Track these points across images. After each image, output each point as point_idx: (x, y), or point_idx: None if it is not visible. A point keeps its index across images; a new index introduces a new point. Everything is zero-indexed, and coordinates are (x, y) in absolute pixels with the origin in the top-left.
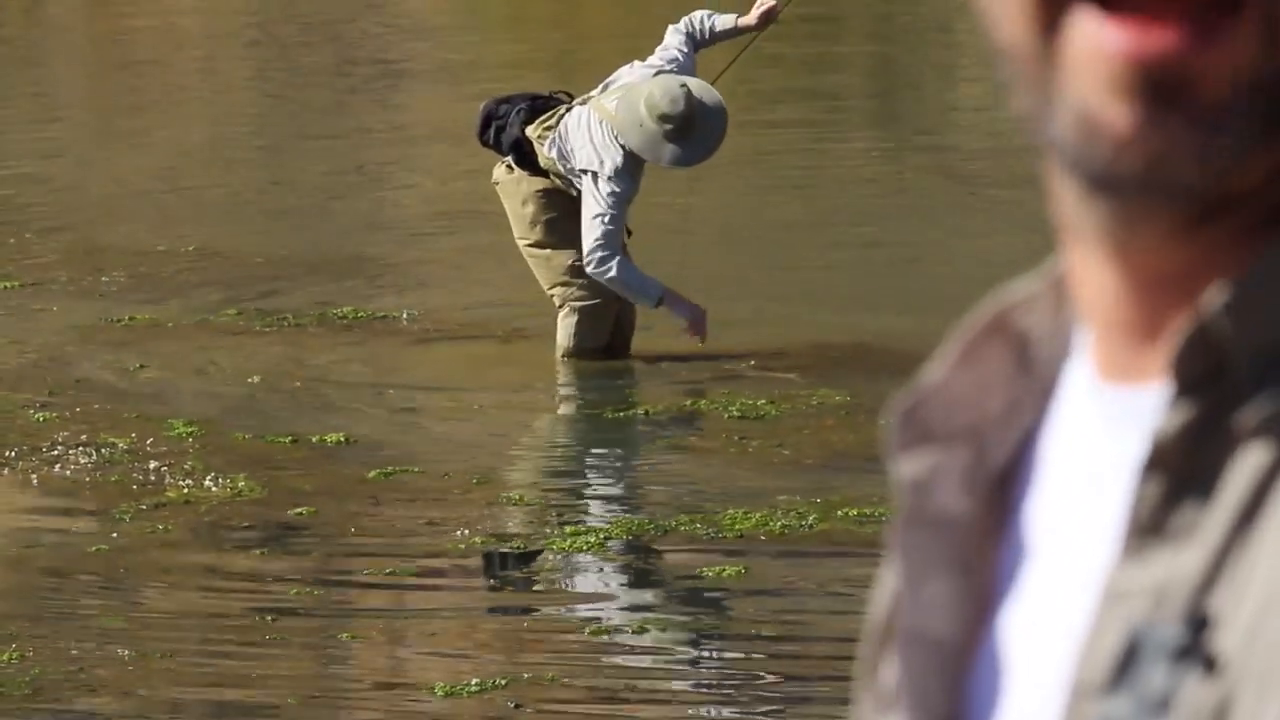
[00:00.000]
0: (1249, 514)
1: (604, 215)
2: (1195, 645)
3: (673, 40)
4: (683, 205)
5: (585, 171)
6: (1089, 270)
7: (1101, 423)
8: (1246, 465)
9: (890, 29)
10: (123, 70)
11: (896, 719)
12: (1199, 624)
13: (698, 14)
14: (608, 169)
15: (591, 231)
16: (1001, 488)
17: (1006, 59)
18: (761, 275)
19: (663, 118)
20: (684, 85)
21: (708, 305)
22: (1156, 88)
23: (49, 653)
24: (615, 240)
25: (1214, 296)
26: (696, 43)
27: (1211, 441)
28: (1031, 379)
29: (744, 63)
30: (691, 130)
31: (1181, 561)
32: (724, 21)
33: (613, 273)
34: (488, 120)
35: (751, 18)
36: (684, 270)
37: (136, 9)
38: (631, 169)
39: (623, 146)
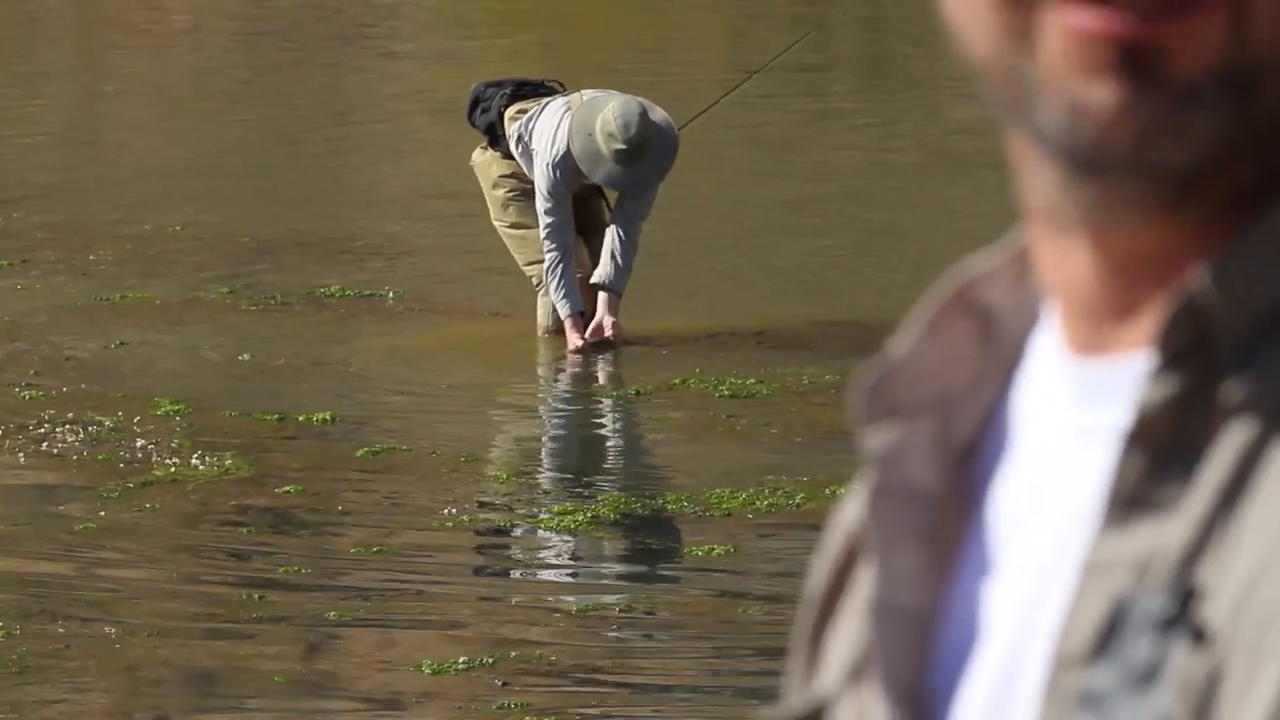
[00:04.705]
0: (1234, 487)
1: (543, 198)
2: (1183, 616)
3: None
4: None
5: (533, 151)
6: (1060, 254)
7: (1072, 393)
8: (1231, 439)
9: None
10: (109, 46)
11: (868, 688)
12: (1186, 595)
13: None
14: (548, 156)
15: (539, 215)
16: (967, 459)
17: (984, 72)
18: (750, 254)
19: (610, 136)
20: (643, 113)
21: (694, 284)
22: (1134, 63)
23: (36, 630)
24: (558, 227)
25: (1200, 270)
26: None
27: (1195, 414)
28: (995, 352)
29: (733, 33)
30: (634, 158)
31: (1165, 534)
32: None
33: (550, 264)
34: (475, 103)
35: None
36: (670, 249)
37: None
38: (571, 164)
39: (568, 146)
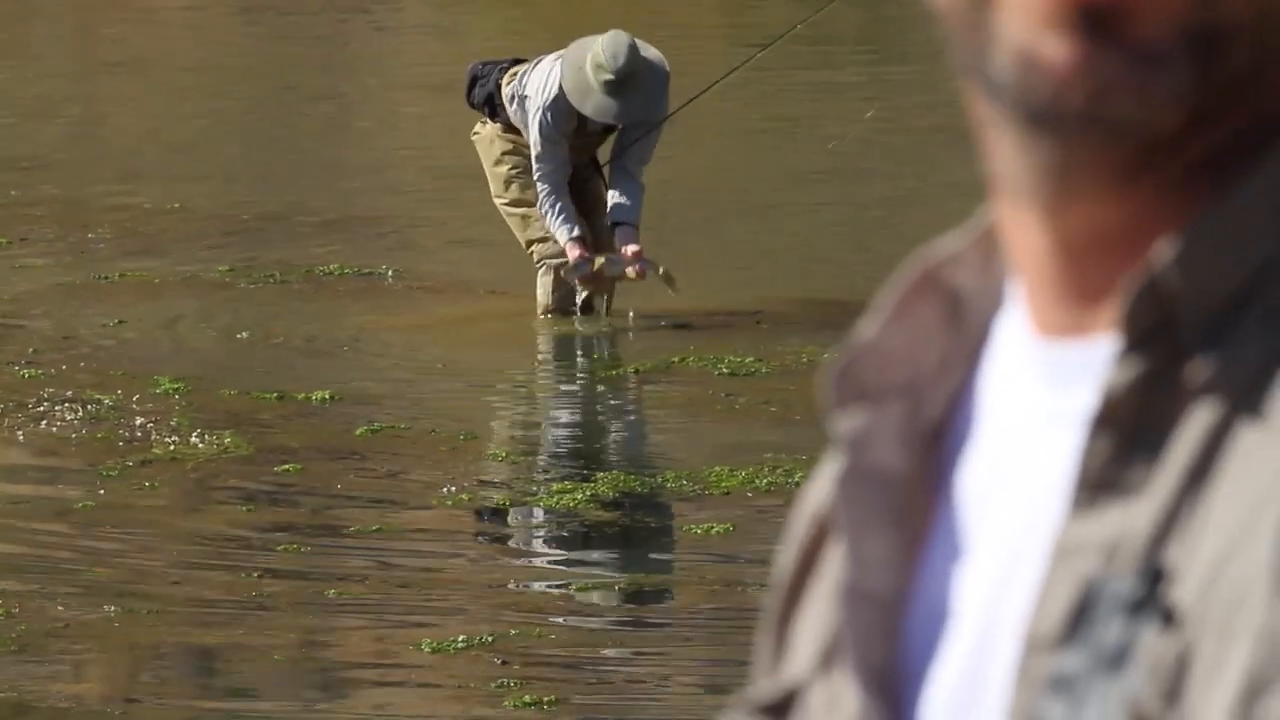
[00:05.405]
0: (1200, 468)
1: (536, 145)
2: (1152, 598)
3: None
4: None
5: (526, 97)
6: (1021, 228)
7: (1039, 376)
8: (1197, 420)
9: None
10: (107, 22)
11: (839, 673)
12: (1154, 577)
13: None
14: (539, 101)
15: (532, 161)
16: (936, 442)
17: (944, 20)
18: (749, 231)
19: (599, 67)
20: (632, 45)
21: (693, 260)
22: (1094, 22)
23: (34, 609)
24: (552, 171)
25: (1163, 250)
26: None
27: (1161, 396)
28: (962, 334)
29: (733, 5)
30: (622, 89)
31: (1133, 516)
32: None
33: (542, 198)
34: (473, 82)
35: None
36: (668, 226)
37: None
38: (564, 106)
39: (560, 84)
